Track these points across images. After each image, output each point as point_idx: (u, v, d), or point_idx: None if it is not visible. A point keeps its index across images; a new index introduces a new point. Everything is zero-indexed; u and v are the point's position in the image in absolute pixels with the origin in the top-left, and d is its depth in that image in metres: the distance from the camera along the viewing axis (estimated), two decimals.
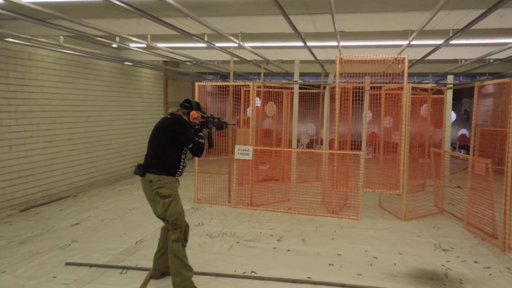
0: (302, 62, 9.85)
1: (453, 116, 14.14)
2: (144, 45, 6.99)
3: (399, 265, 4.82)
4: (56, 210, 6.93)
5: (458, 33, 5.20)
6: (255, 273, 4.49)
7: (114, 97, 9.56)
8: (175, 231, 3.88)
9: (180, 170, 4.01)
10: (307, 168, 10.25)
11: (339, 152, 6.91)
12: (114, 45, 7.85)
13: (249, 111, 11.55)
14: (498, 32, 6.62)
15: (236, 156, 7.21)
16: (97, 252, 4.99)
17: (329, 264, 4.81)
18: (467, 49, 8.14)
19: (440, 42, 6.31)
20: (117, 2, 3.74)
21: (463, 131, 14.93)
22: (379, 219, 6.77)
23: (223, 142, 8.86)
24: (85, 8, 5.97)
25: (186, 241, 3.99)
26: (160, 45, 7.54)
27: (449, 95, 10.26)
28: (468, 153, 7.05)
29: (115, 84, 9.57)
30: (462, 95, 15.92)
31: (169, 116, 4.06)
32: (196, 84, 7.39)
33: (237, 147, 7.22)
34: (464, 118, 15.87)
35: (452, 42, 6.88)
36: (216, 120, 4.54)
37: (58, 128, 7.85)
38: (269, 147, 9.41)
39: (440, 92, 10.72)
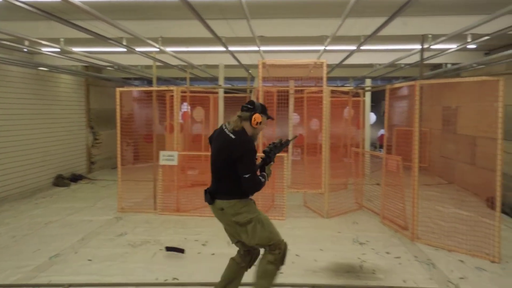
0: (228, 66, 9.92)
1: (373, 117, 15.01)
2: (58, 49, 6.64)
3: (319, 261, 5.01)
4: None
5: (367, 38, 5.54)
6: (177, 279, 4.43)
7: (30, 105, 8.95)
8: (274, 252, 3.43)
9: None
10: None
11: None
12: (25, 50, 7.37)
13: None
14: (405, 38, 7.12)
15: (161, 162, 7.08)
16: (5, 271, 4.62)
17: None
18: (381, 54, 8.69)
19: (354, 47, 6.68)
20: (16, 3, 3.51)
21: (382, 131, 15.89)
22: (303, 218, 6.98)
23: (150, 148, 8.65)
24: None
25: (283, 264, 3.53)
26: (76, 49, 7.20)
27: (367, 98, 10.88)
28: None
29: (29, 91, 8.96)
30: (381, 98, 16.94)
31: (233, 137, 3.36)
32: (117, 89, 7.14)
33: (161, 153, 7.09)
34: (383, 119, 16.87)
35: (365, 47, 7.32)
36: (278, 144, 3.73)
37: None
38: (198, 152, 9.35)
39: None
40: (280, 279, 4.46)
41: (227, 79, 12.66)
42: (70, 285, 4.22)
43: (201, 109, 10.60)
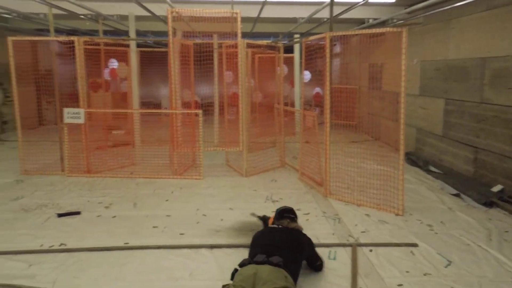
0: (151, 19, 9.15)
1: (308, 75, 14.90)
2: None
3: (225, 220, 4.84)
4: None
5: None
6: (65, 245, 4.09)
7: None
8: None
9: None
10: (166, 131, 9.85)
11: (172, 111, 6.65)
12: None
13: (106, 73, 10.65)
14: None
15: (66, 120, 6.51)
16: None
17: (153, 227, 4.62)
18: (299, 7, 8.31)
19: None
20: None
21: (317, 89, 15.90)
22: (222, 177, 6.78)
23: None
24: None
25: None
26: None
27: (296, 54, 10.65)
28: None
29: None
30: (316, 56, 16.80)
31: (301, 230, 3.84)
32: (9, 39, 6.35)
33: (66, 110, 6.50)
34: (318, 78, 16.84)
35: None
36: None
37: None
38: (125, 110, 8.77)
39: (291, 51, 11.10)
40: (178, 240, 4.27)
41: (153, 33, 11.88)
42: None
43: (125, 65, 9.91)
